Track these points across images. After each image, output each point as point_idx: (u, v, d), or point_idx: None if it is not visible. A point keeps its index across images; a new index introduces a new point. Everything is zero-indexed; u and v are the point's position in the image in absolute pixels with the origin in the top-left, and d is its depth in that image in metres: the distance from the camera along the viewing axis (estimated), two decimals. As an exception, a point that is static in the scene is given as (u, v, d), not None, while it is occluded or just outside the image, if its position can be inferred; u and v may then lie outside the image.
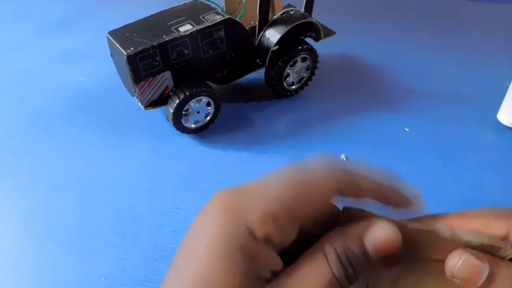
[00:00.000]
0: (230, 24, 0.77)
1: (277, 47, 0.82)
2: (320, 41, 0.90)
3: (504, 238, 0.21)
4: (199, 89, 0.77)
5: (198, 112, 0.81)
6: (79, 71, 1.03)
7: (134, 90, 0.74)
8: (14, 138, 0.84)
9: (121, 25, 0.76)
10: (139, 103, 0.78)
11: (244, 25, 0.79)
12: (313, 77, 0.93)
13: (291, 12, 0.84)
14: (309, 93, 0.94)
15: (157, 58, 0.72)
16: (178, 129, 0.81)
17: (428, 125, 0.86)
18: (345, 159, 0.78)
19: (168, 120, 0.81)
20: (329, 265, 0.21)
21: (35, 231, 0.65)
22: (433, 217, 0.23)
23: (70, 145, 0.82)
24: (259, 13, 0.80)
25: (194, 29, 0.73)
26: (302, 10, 0.86)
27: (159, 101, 0.78)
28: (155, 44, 0.71)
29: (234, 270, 0.20)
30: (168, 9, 0.80)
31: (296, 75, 0.90)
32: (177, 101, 0.76)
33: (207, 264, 0.20)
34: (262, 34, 0.82)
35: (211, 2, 0.80)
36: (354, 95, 0.94)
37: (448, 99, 0.92)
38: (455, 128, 0.85)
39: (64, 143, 0.82)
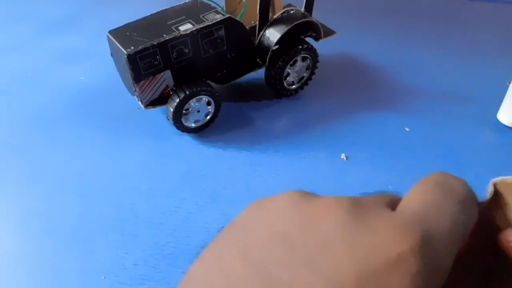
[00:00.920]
0: (230, 24, 0.77)
1: (277, 46, 0.82)
2: (320, 41, 0.90)
3: None
4: (199, 88, 0.77)
5: (198, 111, 0.81)
6: (79, 71, 1.03)
7: (134, 89, 0.74)
8: (14, 138, 0.83)
9: (121, 25, 0.76)
10: (139, 103, 0.78)
11: (244, 24, 0.79)
12: (313, 77, 0.93)
13: (291, 12, 0.84)
14: (309, 93, 0.94)
15: (157, 57, 0.72)
16: (178, 128, 0.81)
17: (428, 125, 0.86)
18: (345, 158, 0.78)
19: (168, 120, 0.80)
20: None
21: (35, 230, 0.65)
22: None
23: (70, 145, 0.82)
24: (259, 13, 0.80)
25: (194, 28, 0.73)
26: (302, 9, 0.86)
27: (159, 100, 0.78)
28: (155, 43, 0.71)
29: None
30: (168, 8, 0.80)
31: (296, 75, 0.90)
32: (177, 100, 0.76)
33: None
34: (262, 34, 0.82)
35: (211, 1, 0.80)
36: (354, 95, 0.94)
37: (448, 99, 0.92)
38: (455, 128, 0.85)
39: (64, 143, 0.82)
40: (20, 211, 0.68)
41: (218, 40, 0.77)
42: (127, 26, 0.76)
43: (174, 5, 0.81)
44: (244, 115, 0.89)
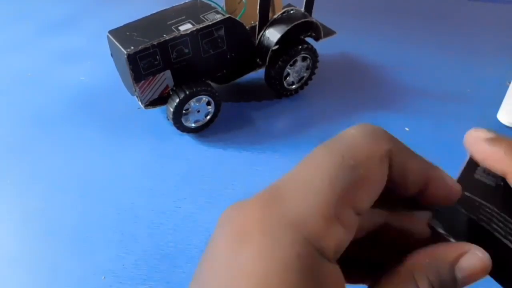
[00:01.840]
0: (230, 24, 0.77)
1: (277, 46, 0.82)
2: (320, 41, 0.90)
3: None
4: (199, 88, 0.77)
5: (198, 111, 0.81)
6: (79, 71, 1.02)
7: (134, 89, 0.74)
8: (14, 137, 0.83)
9: (121, 25, 0.76)
10: (139, 102, 0.78)
11: (244, 24, 0.79)
12: (313, 77, 0.93)
13: (291, 12, 0.84)
14: (309, 93, 0.94)
15: (157, 57, 0.72)
16: (178, 128, 0.81)
17: (428, 125, 0.86)
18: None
19: (168, 120, 0.80)
20: None
21: (35, 230, 0.65)
22: None
23: (70, 145, 0.82)
24: (259, 13, 0.80)
25: (195, 28, 0.73)
26: (302, 9, 0.86)
27: (159, 100, 0.78)
28: (155, 43, 0.71)
29: None
30: (168, 8, 0.80)
31: (296, 75, 0.90)
32: (177, 100, 0.76)
33: None
34: (262, 34, 0.82)
35: (211, 1, 0.80)
36: (354, 95, 0.94)
37: (448, 99, 0.92)
38: (455, 127, 0.85)
39: (64, 143, 0.82)
40: (20, 211, 0.68)
41: (218, 40, 0.77)
42: (127, 26, 0.76)
43: (174, 5, 0.81)
44: (244, 115, 0.89)
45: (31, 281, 0.58)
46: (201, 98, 0.79)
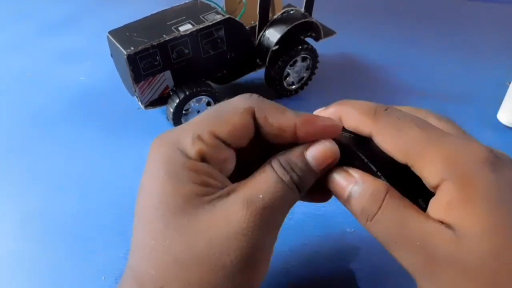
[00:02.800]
0: (230, 24, 0.77)
1: (277, 46, 0.82)
2: (320, 41, 0.90)
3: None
4: (199, 89, 0.77)
5: (198, 111, 0.81)
6: (79, 71, 1.03)
7: (134, 89, 0.74)
8: (13, 138, 0.84)
9: (121, 25, 0.76)
10: (139, 103, 0.78)
11: (244, 24, 0.79)
12: (313, 77, 0.93)
13: (291, 12, 0.84)
14: (309, 93, 0.94)
15: (157, 57, 0.72)
16: (178, 128, 0.81)
17: (428, 125, 0.85)
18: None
19: (168, 120, 0.81)
20: (275, 171, 0.27)
21: (34, 230, 0.65)
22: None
23: (70, 145, 0.82)
24: (259, 13, 0.80)
25: (194, 29, 0.73)
26: (302, 10, 0.86)
27: (159, 101, 0.78)
28: (155, 43, 0.71)
29: (179, 184, 0.26)
30: (168, 8, 0.80)
31: (296, 75, 0.90)
32: (177, 101, 0.76)
33: (158, 187, 0.28)
34: (262, 34, 0.82)
35: (211, 1, 0.80)
36: (354, 95, 0.94)
37: (448, 99, 0.92)
38: (455, 128, 0.85)
39: (64, 143, 0.82)
40: (19, 211, 0.68)
41: (218, 41, 0.77)
42: (127, 27, 0.76)
43: (174, 5, 0.81)
44: (244, 115, 0.89)
45: (31, 281, 0.58)
46: (201, 99, 0.79)
